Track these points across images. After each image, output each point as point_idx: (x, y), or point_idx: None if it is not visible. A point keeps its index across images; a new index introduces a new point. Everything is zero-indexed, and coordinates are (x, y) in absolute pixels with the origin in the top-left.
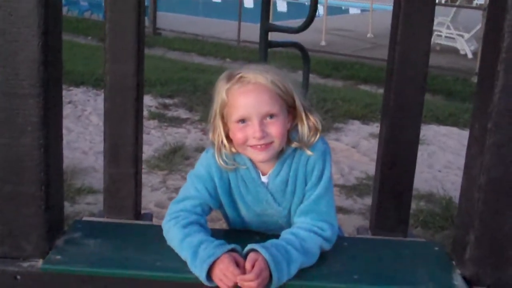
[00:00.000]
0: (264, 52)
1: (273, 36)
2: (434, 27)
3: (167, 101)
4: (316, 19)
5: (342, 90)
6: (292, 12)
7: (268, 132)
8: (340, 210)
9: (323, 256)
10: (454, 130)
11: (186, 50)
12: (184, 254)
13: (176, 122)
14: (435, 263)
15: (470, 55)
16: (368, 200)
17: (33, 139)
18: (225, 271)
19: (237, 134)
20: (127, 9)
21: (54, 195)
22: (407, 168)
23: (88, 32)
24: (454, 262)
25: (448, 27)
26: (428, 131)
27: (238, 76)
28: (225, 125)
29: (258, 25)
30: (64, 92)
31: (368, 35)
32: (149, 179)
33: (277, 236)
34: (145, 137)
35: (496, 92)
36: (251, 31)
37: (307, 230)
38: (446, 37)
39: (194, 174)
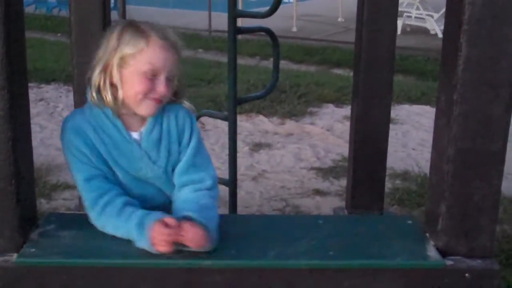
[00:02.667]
0: (232, 39)
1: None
2: (404, 8)
3: None
4: (286, 5)
5: (315, 74)
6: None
7: (168, 89)
8: (317, 192)
9: (298, 235)
10: (427, 108)
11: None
12: (125, 236)
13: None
14: (409, 236)
15: (440, 35)
16: (345, 182)
17: (0, 133)
18: (157, 235)
19: (141, 85)
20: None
21: (26, 189)
22: (380, 147)
23: (57, 29)
24: (427, 234)
25: (417, 8)
26: (401, 111)
27: (161, 31)
28: (110, 71)
29: None
30: (35, 90)
31: (339, 19)
32: None
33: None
34: None
35: (460, 63)
36: (222, 21)
37: (193, 191)
38: (415, 17)
39: (68, 157)
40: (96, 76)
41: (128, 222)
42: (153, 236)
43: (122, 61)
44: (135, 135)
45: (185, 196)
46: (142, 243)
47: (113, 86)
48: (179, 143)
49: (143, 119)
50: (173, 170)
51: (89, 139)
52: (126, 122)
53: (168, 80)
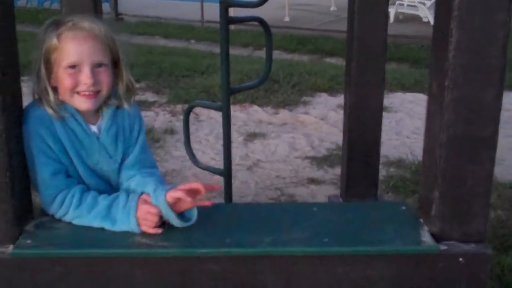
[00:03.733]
0: (224, 28)
1: (236, 14)
2: None
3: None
4: None
5: (308, 64)
6: None
7: (98, 80)
8: (312, 181)
9: (293, 222)
10: (421, 96)
11: (150, 33)
12: (97, 224)
13: (144, 105)
14: (403, 221)
15: (432, 22)
16: (339, 170)
17: None
18: (145, 215)
19: (67, 80)
20: None
21: (20, 181)
22: (374, 135)
23: None
24: (421, 220)
25: None
26: (395, 99)
27: (70, 23)
28: (49, 73)
29: None
30: (29, 83)
31: (331, 8)
32: None
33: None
34: None
35: (451, 49)
36: (214, 11)
37: (148, 174)
38: (408, 5)
39: (31, 148)
40: (33, 87)
41: (112, 207)
42: (140, 216)
43: (47, 60)
44: (93, 128)
45: (143, 179)
46: (125, 225)
47: (53, 87)
48: (130, 140)
49: (97, 113)
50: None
51: (55, 129)
52: (84, 115)
53: (96, 68)
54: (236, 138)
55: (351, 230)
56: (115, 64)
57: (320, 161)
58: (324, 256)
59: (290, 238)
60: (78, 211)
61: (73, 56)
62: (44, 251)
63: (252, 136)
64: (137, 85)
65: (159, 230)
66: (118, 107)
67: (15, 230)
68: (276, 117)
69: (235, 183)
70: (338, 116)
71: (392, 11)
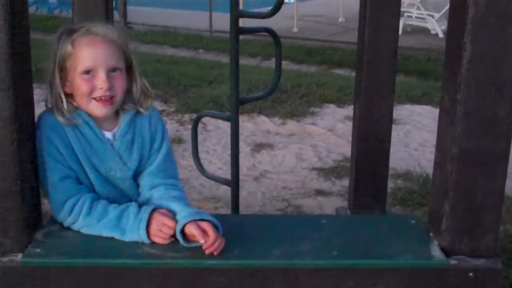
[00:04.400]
0: (234, 39)
1: (245, 24)
2: (404, 8)
3: None
4: (287, 6)
5: (316, 75)
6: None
7: (113, 85)
8: (319, 192)
9: (302, 235)
10: (428, 108)
11: (158, 42)
12: (107, 233)
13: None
14: (413, 235)
15: (441, 35)
16: (347, 182)
17: (5, 134)
18: (160, 227)
19: (82, 86)
20: (94, 0)
21: (30, 189)
22: (382, 146)
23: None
24: (431, 234)
25: (418, 8)
26: (403, 111)
27: (84, 29)
28: (63, 80)
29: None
30: (37, 91)
31: (340, 20)
32: None
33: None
34: None
35: (464, 63)
36: (223, 21)
37: (173, 188)
38: (416, 17)
39: (42, 153)
40: (47, 92)
41: (123, 217)
42: (154, 227)
43: (62, 68)
44: (108, 134)
45: (168, 193)
46: (135, 235)
47: (66, 94)
48: (150, 148)
49: (115, 119)
50: (139, 174)
51: (66, 136)
52: (98, 121)
53: (111, 73)
54: (244, 149)
55: (361, 243)
56: (129, 69)
57: (327, 172)
58: (333, 269)
59: (299, 250)
60: (88, 220)
61: (88, 61)
62: (53, 260)
63: (259, 147)
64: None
65: (168, 241)
66: (137, 113)
67: (24, 238)
68: (284, 128)
69: (242, 194)
70: (345, 127)
71: (400, 23)
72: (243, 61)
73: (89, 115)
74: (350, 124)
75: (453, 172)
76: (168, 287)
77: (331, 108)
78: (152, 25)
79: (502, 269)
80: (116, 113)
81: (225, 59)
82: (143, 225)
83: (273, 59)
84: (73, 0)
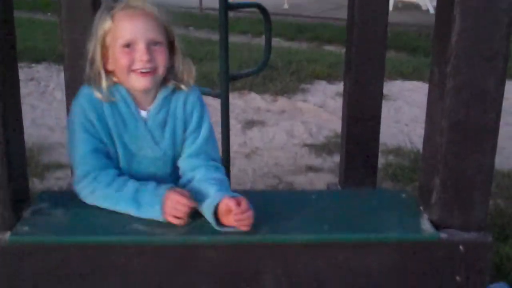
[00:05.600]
0: (223, 14)
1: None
2: None
3: None
4: None
5: (306, 51)
6: None
7: (153, 57)
8: (310, 168)
9: (292, 210)
10: (419, 84)
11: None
12: (123, 207)
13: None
14: (403, 209)
15: (432, 11)
16: (338, 158)
17: None
18: (175, 205)
19: (122, 59)
20: None
21: (17, 167)
22: (373, 121)
23: (47, 9)
24: (421, 208)
25: None
26: (394, 87)
27: (123, 3)
28: (104, 55)
29: None
30: (26, 70)
31: None
32: None
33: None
34: None
35: (453, 35)
36: None
37: (214, 169)
38: None
39: (75, 124)
40: (88, 69)
41: (140, 191)
42: (168, 205)
43: (103, 44)
44: (143, 113)
45: (209, 174)
46: (151, 211)
47: (107, 72)
48: (185, 129)
49: (153, 97)
50: (174, 156)
51: (102, 110)
52: (137, 98)
53: (152, 46)
54: (234, 126)
55: (351, 217)
56: (171, 46)
57: (318, 148)
58: (323, 243)
59: (289, 225)
60: (107, 190)
61: (128, 34)
62: (41, 238)
63: (250, 124)
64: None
65: (183, 222)
66: (175, 90)
67: (12, 216)
68: (275, 105)
69: (233, 171)
70: (336, 104)
71: None
72: (233, 38)
73: (128, 91)
74: (341, 101)
75: (442, 146)
76: (158, 264)
77: (322, 85)
78: None
79: (493, 243)
80: (154, 95)
81: (216, 36)
82: (157, 200)
83: (264, 37)
84: None
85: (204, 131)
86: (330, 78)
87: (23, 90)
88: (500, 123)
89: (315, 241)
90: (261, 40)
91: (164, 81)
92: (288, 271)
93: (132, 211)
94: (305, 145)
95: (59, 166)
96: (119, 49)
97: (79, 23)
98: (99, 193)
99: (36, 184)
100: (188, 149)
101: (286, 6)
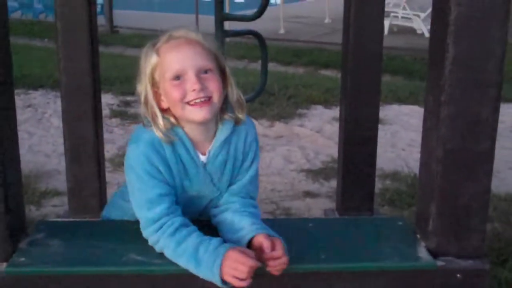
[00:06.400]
0: (220, 42)
1: (232, 27)
2: (390, 9)
3: (129, 98)
4: (273, 7)
5: (303, 76)
6: (250, 2)
7: (206, 86)
8: (308, 194)
9: (289, 238)
10: (415, 108)
11: (145, 46)
12: (183, 262)
13: (139, 118)
14: (400, 237)
15: (427, 34)
16: (335, 183)
17: None
18: (234, 264)
19: (174, 92)
20: (77, 4)
21: (14, 197)
22: (369, 147)
23: (44, 35)
24: (418, 235)
25: (404, 8)
26: (390, 111)
27: (166, 36)
28: (156, 94)
29: None
30: (22, 96)
31: (326, 21)
32: (115, 177)
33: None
34: (108, 135)
35: (447, 64)
36: (209, 23)
37: (250, 204)
38: (402, 17)
39: (138, 171)
40: (143, 110)
41: (201, 246)
42: (227, 265)
43: (153, 81)
44: (202, 158)
45: (244, 208)
46: (209, 271)
47: (163, 110)
48: (240, 167)
49: (212, 138)
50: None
51: (164, 153)
52: (196, 139)
53: (202, 75)
54: None
55: (348, 246)
56: (222, 74)
57: (315, 174)
58: (321, 272)
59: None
60: (169, 241)
61: (175, 64)
62: (38, 269)
63: None
64: (132, 98)
65: (246, 284)
66: (236, 124)
67: (8, 247)
68: (271, 130)
69: None
70: (333, 129)
71: (386, 23)
72: (230, 63)
73: (186, 134)
74: (337, 125)
75: (438, 173)
76: None
77: (318, 110)
78: (138, 28)
79: (491, 268)
80: (213, 132)
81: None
82: (218, 261)
83: (260, 62)
84: (56, 5)
85: (252, 171)
86: (326, 103)
87: (20, 117)
88: (495, 146)
89: (313, 270)
90: (257, 65)
91: (221, 114)
92: None
93: (191, 268)
94: (302, 170)
95: (56, 193)
96: (169, 82)
97: (76, 51)
98: (162, 243)
99: (32, 212)
100: (232, 186)
101: (282, 31)
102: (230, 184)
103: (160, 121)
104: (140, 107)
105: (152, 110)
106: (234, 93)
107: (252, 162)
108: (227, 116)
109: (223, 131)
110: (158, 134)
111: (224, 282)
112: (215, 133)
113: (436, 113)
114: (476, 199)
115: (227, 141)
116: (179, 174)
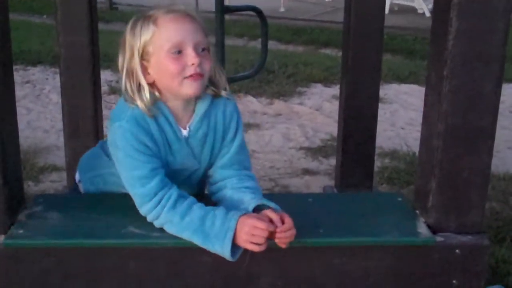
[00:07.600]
0: (220, 17)
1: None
2: None
3: None
4: None
5: (303, 55)
6: None
7: (201, 63)
8: (307, 172)
9: (288, 213)
10: (415, 87)
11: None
12: (188, 235)
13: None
14: (399, 213)
15: (428, 14)
16: (334, 161)
17: None
18: (252, 231)
19: (171, 65)
20: None
21: (12, 170)
22: (369, 125)
23: (43, 11)
24: (417, 211)
25: None
26: (390, 90)
27: (164, 9)
28: (144, 69)
29: None
30: (21, 72)
31: None
32: None
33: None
34: (107, 112)
35: (450, 38)
36: (209, 0)
37: (247, 178)
38: None
39: (127, 147)
40: (125, 85)
41: (207, 219)
42: (245, 231)
43: (144, 53)
44: (184, 132)
45: (242, 184)
46: (219, 244)
47: (150, 84)
48: (223, 140)
49: (192, 112)
50: (209, 166)
51: (149, 128)
52: (177, 115)
53: (200, 50)
54: None
55: (347, 221)
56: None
57: (314, 151)
58: (319, 247)
59: None
60: (171, 215)
61: (176, 36)
62: (36, 241)
63: (246, 127)
64: (121, 74)
65: (263, 248)
66: (213, 99)
67: (7, 219)
68: (271, 108)
69: None
70: (333, 107)
71: (387, 2)
72: (230, 41)
73: (169, 108)
74: (337, 104)
75: (439, 149)
76: (154, 267)
77: (318, 88)
78: (138, 6)
79: (489, 245)
80: (193, 106)
81: (212, 39)
82: (229, 237)
83: (260, 39)
84: None
85: (237, 141)
86: (326, 81)
87: (19, 93)
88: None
89: (311, 245)
90: (257, 43)
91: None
92: (284, 275)
93: (197, 242)
94: (301, 148)
95: (55, 168)
96: (166, 55)
97: (75, 24)
98: (163, 218)
99: (31, 187)
100: (222, 159)
101: (282, 9)
102: (214, 157)
103: (147, 94)
104: (121, 81)
105: (139, 83)
106: (217, 71)
107: (235, 133)
108: (208, 90)
109: (202, 105)
110: (142, 107)
111: (232, 254)
112: (194, 107)
113: (438, 88)
114: (477, 174)
115: (206, 114)
116: (164, 148)
